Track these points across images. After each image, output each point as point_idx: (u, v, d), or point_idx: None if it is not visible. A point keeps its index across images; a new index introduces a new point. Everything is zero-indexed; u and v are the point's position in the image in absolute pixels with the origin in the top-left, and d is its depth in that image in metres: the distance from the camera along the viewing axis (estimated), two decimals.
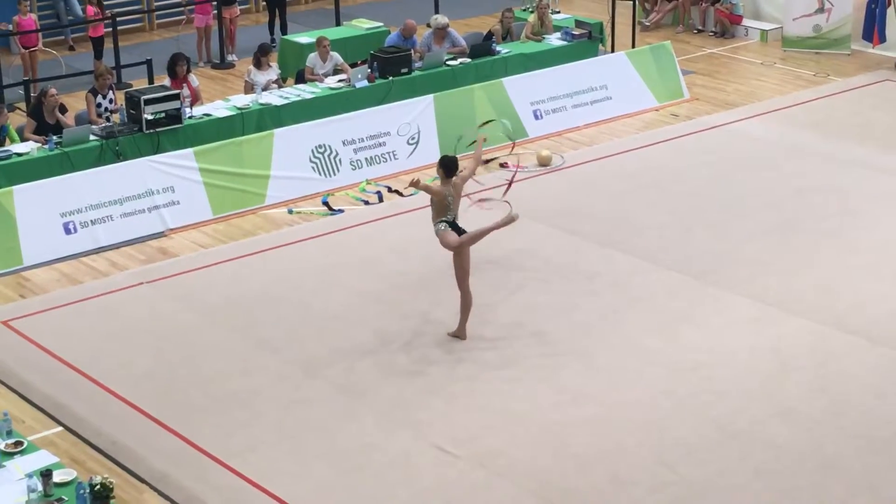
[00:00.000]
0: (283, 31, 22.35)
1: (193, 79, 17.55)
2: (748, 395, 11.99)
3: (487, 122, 14.62)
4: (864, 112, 19.66)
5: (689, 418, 11.64)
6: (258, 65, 18.04)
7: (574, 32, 20.34)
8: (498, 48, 19.64)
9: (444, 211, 12.70)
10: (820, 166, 17.42)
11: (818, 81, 21.04)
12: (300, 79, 18.65)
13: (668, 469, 10.90)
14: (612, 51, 21.07)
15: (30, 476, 9.52)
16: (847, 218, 15.78)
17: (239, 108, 17.17)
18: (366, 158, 17.28)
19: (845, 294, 13.87)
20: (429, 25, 19.66)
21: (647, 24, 23.78)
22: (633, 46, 21.20)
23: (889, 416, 11.64)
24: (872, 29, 21.99)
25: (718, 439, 11.33)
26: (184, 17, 22.94)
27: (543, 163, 17.54)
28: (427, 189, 12.75)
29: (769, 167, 17.39)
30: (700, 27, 23.79)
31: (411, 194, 15.99)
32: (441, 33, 19.39)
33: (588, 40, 20.45)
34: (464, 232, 12.72)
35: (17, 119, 17.85)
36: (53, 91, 16.31)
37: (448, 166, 12.77)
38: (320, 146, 16.94)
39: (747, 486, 10.69)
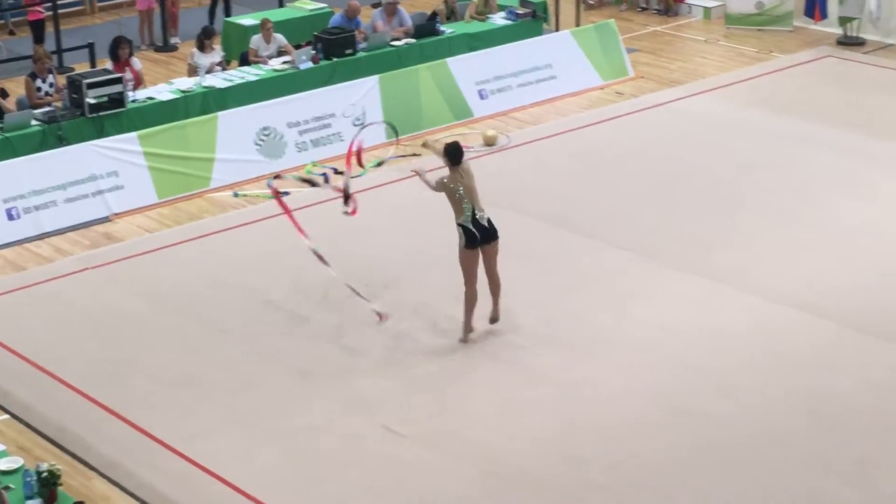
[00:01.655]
0: (227, 13, 22.16)
1: (136, 62, 17.38)
2: (697, 371, 12.03)
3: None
4: (808, 88, 19.75)
5: (639, 395, 11.67)
6: (201, 47, 17.90)
7: (518, 12, 20.32)
8: (442, 28, 19.58)
9: (459, 206, 12.17)
10: (765, 143, 17.49)
11: (761, 58, 21.12)
12: (244, 61, 18.52)
13: (620, 447, 10.93)
14: (557, 29, 21.07)
15: None
16: (793, 194, 15.85)
17: (183, 92, 17.02)
18: (311, 140, 17.20)
19: (792, 270, 13.94)
20: (373, 6, 19.58)
21: (591, 2, 23.76)
22: (578, 25, 21.19)
23: (836, 391, 11.71)
24: (814, 5, 22.11)
25: (669, 416, 11.37)
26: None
27: (489, 143, 17.52)
28: (427, 183, 12.23)
29: (715, 144, 17.45)
30: (643, 5, 23.81)
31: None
32: (391, 8, 19.32)
33: (532, 19, 20.42)
34: (487, 231, 12.28)
35: None
36: None
37: (452, 154, 12.22)
38: (265, 128, 16.84)
39: (698, 462, 10.73)
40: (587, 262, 14.15)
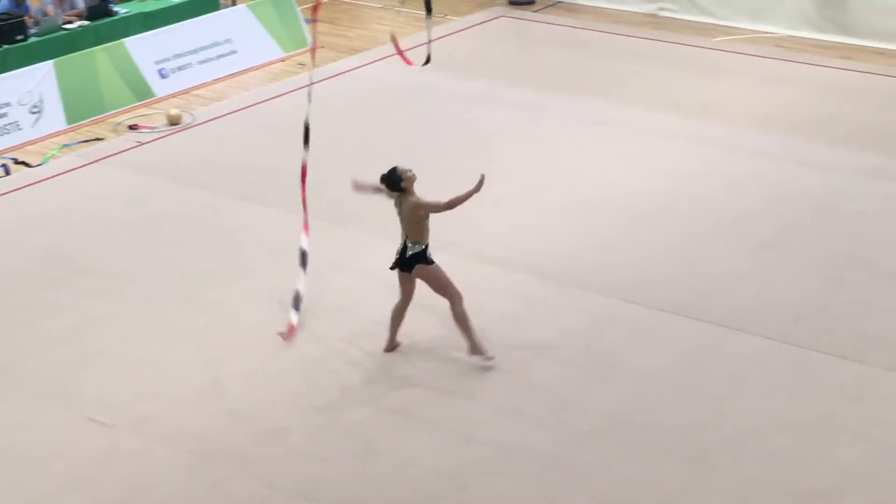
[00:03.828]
0: None
1: None
2: (386, 331, 12.19)
3: None
4: (484, 48, 20.27)
5: (353, 371, 11.81)
6: None
7: None
8: (116, 8, 19.26)
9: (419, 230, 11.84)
10: (446, 104, 17.88)
11: (437, 21, 21.50)
12: None
13: (322, 415, 11.06)
14: (234, 3, 20.99)
15: None
16: (477, 152, 16.27)
17: None
18: None
19: (481, 226, 14.31)
20: None
21: None
22: None
23: (524, 340, 12.09)
24: None
25: (374, 382, 11.56)
26: None
27: (173, 122, 17.38)
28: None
29: (398, 109, 17.73)
30: None
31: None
32: None
33: None
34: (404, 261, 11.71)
35: None
36: None
37: (387, 180, 11.83)
38: None
39: (403, 426, 10.97)
40: (280, 233, 14.18)
